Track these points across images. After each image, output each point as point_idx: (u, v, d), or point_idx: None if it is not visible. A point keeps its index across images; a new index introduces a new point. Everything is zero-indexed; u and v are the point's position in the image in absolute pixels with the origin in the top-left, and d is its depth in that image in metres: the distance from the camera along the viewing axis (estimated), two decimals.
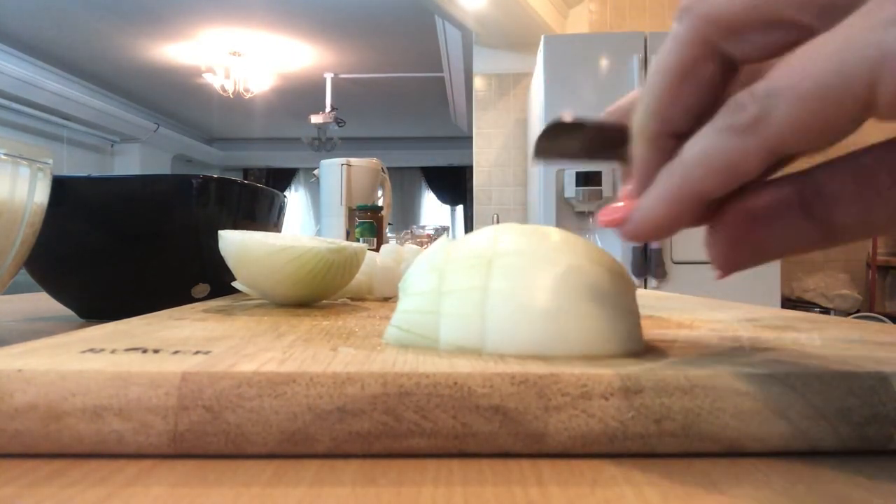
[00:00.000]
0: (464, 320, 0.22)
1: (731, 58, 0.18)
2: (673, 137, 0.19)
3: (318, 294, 0.43)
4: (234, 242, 0.41)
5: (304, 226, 7.49)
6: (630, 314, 0.23)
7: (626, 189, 0.21)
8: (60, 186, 0.46)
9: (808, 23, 0.17)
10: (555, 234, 0.24)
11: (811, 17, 0.16)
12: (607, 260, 0.24)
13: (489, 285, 0.22)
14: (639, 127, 0.20)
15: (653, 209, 0.19)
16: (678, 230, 0.20)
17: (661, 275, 2.16)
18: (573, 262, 0.23)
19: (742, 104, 0.16)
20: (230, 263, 0.42)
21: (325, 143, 5.09)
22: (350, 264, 0.44)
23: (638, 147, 0.20)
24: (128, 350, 0.21)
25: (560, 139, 0.23)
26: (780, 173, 0.19)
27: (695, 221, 0.19)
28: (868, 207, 0.18)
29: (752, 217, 0.18)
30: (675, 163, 0.18)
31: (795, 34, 0.17)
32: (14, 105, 4.48)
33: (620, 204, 0.20)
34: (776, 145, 0.16)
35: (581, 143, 0.23)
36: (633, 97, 0.23)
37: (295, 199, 7.66)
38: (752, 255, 0.19)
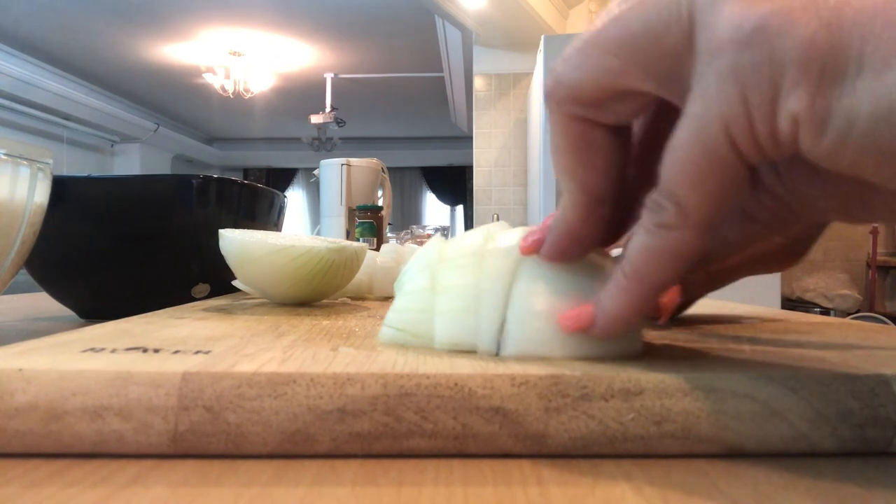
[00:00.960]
0: (458, 318, 0.22)
1: (610, 124, 0.20)
2: (601, 205, 0.20)
3: (319, 293, 0.43)
4: (235, 242, 0.41)
5: (305, 226, 7.48)
6: None
7: (546, 221, 0.22)
8: (60, 186, 0.46)
9: (653, 91, 0.18)
10: None
11: (655, 86, 0.18)
12: (606, 259, 0.24)
13: (481, 284, 0.22)
14: (568, 202, 0.21)
15: (620, 310, 0.19)
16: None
17: None
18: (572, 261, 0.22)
19: (660, 203, 0.18)
20: (230, 263, 0.42)
21: (325, 143, 5.09)
22: (350, 264, 0.44)
23: (571, 217, 0.21)
24: (128, 349, 0.21)
25: None
26: None
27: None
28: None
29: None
30: (624, 267, 0.19)
31: (648, 99, 0.18)
32: (14, 105, 4.48)
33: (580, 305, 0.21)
34: (708, 224, 0.17)
35: None
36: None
37: (295, 199, 7.66)
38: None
